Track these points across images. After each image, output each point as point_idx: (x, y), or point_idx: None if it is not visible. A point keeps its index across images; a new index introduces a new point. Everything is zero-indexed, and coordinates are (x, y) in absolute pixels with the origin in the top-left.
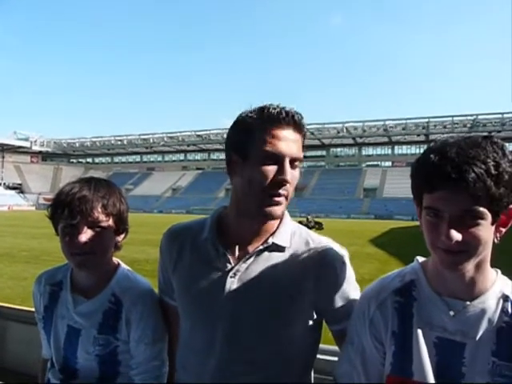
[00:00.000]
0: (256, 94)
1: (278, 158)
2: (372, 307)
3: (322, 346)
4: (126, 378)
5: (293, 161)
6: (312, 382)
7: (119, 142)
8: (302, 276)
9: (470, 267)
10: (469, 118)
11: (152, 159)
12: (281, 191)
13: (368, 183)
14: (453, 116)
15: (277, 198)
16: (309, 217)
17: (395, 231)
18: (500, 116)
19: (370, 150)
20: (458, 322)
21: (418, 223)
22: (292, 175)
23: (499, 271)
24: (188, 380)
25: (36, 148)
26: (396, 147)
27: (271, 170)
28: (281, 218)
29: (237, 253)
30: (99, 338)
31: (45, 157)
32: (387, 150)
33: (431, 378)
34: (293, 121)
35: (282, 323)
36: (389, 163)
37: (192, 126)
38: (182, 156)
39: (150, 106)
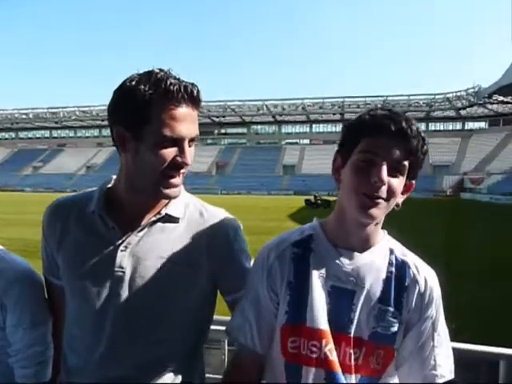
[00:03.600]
0: (174, 64)
1: (177, 141)
2: (271, 257)
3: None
4: (4, 365)
5: (191, 140)
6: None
7: (24, 116)
8: (197, 246)
9: (379, 217)
10: (380, 98)
11: (63, 135)
12: (180, 172)
13: (287, 160)
14: (366, 96)
15: (175, 180)
16: (316, 194)
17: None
18: (407, 98)
19: (289, 128)
20: (351, 271)
21: (335, 198)
22: (191, 155)
23: (386, 231)
24: (76, 361)
25: None
26: (314, 125)
27: (170, 152)
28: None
29: (127, 226)
30: None
31: None
32: (305, 128)
33: (323, 324)
34: (192, 98)
35: (178, 294)
36: (307, 141)
37: (107, 100)
38: (96, 132)
39: (61, 76)
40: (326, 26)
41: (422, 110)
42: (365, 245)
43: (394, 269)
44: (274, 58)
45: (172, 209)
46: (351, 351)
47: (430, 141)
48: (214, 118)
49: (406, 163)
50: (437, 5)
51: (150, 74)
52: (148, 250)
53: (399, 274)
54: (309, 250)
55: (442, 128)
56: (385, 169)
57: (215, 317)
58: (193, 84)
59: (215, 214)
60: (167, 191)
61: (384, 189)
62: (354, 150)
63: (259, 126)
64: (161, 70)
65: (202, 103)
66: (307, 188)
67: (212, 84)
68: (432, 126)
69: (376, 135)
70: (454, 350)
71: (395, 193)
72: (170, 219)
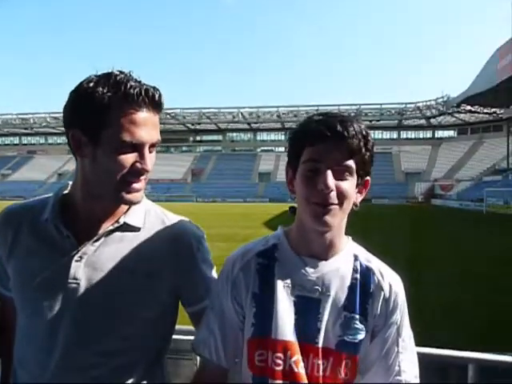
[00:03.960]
0: (148, 72)
1: (137, 146)
2: (236, 269)
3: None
4: None
5: (152, 146)
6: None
7: None
8: (157, 256)
9: (336, 224)
10: (353, 107)
11: (33, 141)
12: (140, 178)
13: (262, 168)
14: (339, 105)
15: (137, 185)
16: None
17: (288, 213)
18: (379, 107)
19: (264, 136)
20: (315, 279)
21: None
22: (151, 161)
23: (350, 237)
24: (26, 378)
25: None
26: (288, 133)
27: (129, 158)
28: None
29: (83, 235)
30: None
31: None
32: (280, 136)
33: (290, 336)
34: (153, 102)
35: (137, 306)
36: (282, 148)
37: None
38: None
39: (30, 80)
40: (299, 35)
41: (393, 118)
42: (328, 251)
43: (358, 275)
44: (248, 66)
45: (131, 217)
46: (319, 362)
47: (401, 149)
48: (189, 125)
49: (351, 163)
50: (410, 17)
51: (108, 75)
52: (105, 260)
53: (364, 281)
54: (273, 259)
55: (413, 136)
56: (330, 175)
57: (187, 327)
58: (154, 87)
59: (177, 222)
60: (129, 196)
61: (333, 194)
62: (300, 160)
63: (234, 134)
64: (121, 71)
65: (178, 110)
66: (282, 196)
67: (187, 91)
68: (404, 135)
69: (315, 143)
70: (423, 355)
71: (346, 196)
72: (128, 228)
